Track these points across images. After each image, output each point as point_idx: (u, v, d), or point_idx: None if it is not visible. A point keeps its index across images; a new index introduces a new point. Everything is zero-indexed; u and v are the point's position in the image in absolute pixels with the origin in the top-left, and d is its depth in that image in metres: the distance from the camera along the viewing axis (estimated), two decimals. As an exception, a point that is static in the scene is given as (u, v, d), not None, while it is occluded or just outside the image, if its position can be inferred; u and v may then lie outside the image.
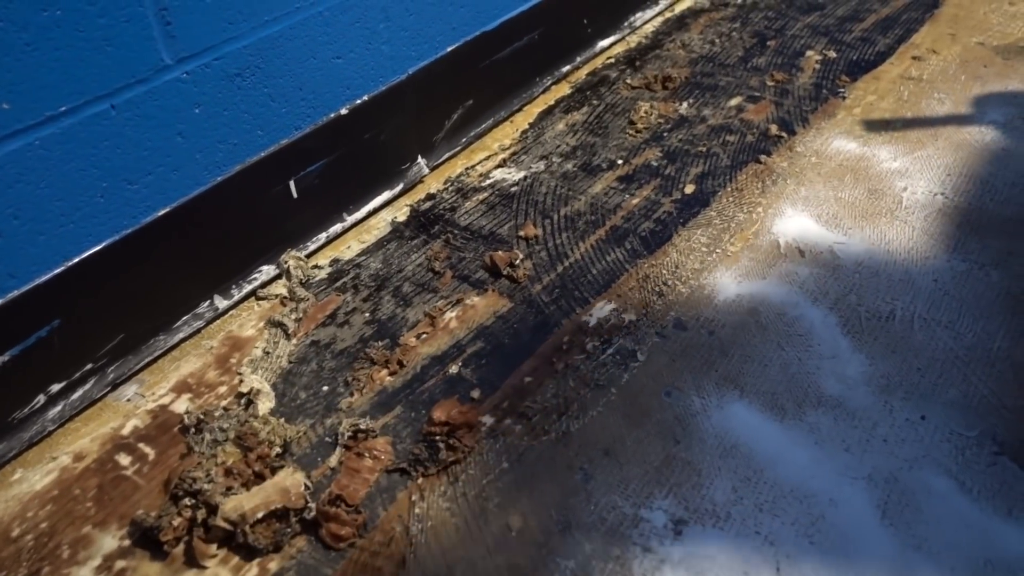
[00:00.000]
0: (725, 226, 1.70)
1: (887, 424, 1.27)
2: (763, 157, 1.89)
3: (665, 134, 2.02)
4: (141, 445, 1.32)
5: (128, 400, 1.40)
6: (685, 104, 2.13)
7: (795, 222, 1.69)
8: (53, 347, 1.30)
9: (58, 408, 1.34)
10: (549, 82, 2.26)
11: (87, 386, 1.38)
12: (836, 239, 1.64)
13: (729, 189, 1.80)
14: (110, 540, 1.18)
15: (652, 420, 1.31)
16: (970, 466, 1.20)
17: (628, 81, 2.26)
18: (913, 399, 1.30)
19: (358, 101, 1.68)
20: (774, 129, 1.98)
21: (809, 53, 2.32)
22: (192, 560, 1.14)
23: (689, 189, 1.81)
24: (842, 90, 2.13)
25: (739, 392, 1.34)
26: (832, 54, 2.30)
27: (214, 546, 1.15)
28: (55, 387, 1.33)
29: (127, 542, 1.18)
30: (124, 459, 1.30)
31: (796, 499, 1.18)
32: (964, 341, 1.39)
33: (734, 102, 2.12)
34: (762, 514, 1.16)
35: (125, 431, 1.35)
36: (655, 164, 1.91)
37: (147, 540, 1.16)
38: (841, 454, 1.23)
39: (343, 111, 1.65)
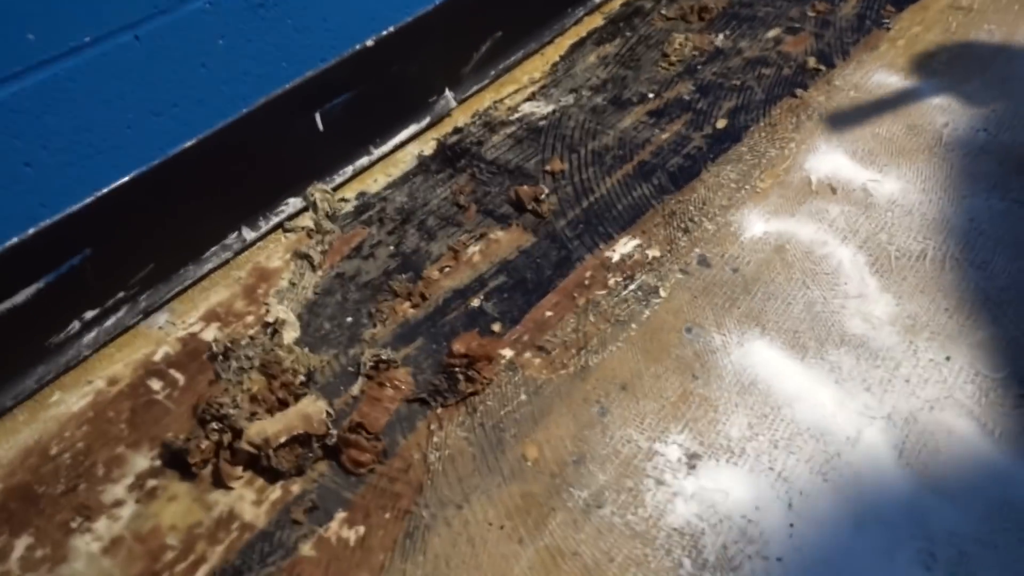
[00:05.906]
0: (756, 162, 1.66)
1: (910, 364, 1.25)
2: (799, 91, 1.83)
3: (699, 67, 1.97)
4: (172, 371, 1.36)
5: (160, 328, 1.44)
6: (721, 36, 2.07)
7: (828, 158, 1.65)
8: (86, 275, 1.34)
9: (92, 334, 1.39)
10: (581, 13, 2.20)
11: (120, 313, 1.42)
12: (870, 176, 1.59)
13: (762, 124, 1.76)
14: (142, 460, 1.23)
15: (671, 356, 1.31)
16: (993, 408, 1.19)
17: (663, 12, 2.19)
18: (939, 340, 1.28)
19: (384, 32, 1.66)
20: (812, 62, 1.91)
21: (854, -18, 2.22)
22: (219, 481, 1.19)
23: (721, 124, 1.77)
24: (886, 21, 2.04)
25: (760, 330, 1.33)
26: (879, -17, 2.20)
27: (239, 468, 1.19)
28: (89, 314, 1.37)
29: (158, 462, 1.23)
30: (155, 384, 1.34)
31: (812, 437, 1.18)
32: (997, 282, 1.36)
33: (772, 34, 2.05)
34: (777, 451, 1.16)
35: (157, 357, 1.39)
36: (687, 98, 1.87)
37: (177, 461, 1.21)
38: (861, 393, 1.22)
39: (369, 43, 1.63)
